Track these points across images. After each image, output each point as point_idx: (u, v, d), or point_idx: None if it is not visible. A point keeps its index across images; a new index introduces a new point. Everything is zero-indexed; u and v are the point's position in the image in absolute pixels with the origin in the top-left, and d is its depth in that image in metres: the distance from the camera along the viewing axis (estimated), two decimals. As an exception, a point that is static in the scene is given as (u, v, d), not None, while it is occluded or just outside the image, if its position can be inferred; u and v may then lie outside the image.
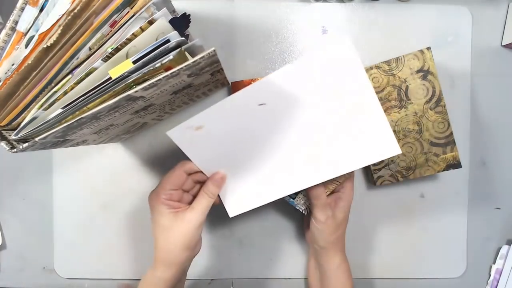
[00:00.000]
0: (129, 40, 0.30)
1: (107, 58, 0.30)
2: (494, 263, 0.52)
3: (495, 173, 0.51)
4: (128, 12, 0.31)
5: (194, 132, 0.35)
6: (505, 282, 0.50)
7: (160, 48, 0.29)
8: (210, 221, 0.51)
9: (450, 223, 0.51)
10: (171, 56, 0.29)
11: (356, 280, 0.49)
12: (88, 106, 0.30)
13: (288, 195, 0.43)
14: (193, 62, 0.29)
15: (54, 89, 0.30)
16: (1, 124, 0.31)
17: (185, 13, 0.33)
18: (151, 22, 0.30)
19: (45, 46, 0.29)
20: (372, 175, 0.47)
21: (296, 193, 0.44)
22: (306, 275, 0.51)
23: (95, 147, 0.49)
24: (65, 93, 0.30)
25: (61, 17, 0.29)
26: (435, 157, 0.46)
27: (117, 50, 0.30)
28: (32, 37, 0.30)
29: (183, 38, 0.30)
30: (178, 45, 0.30)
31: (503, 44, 0.50)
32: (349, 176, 0.42)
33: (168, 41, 0.29)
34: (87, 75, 0.30)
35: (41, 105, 0.30)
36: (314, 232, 0.42)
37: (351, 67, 0.33)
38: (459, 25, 0.50)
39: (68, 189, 0.50)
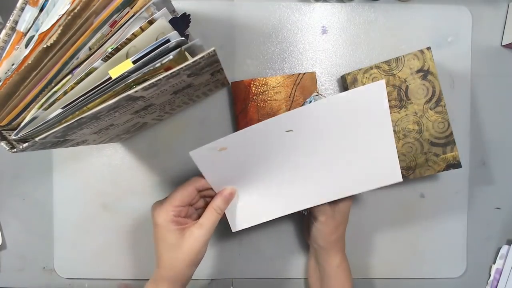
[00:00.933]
0: (129, 40, 0.30)
1: (107, 58, 0.30)
2: (494, 263, 0.52)
3: (495, 173, 0.51)
4: (128, 12, 0.31)
5: (216, 152, 0.36)
6: (505, 282, 0.50)
7: (160, 48, 0.29)
8: (210, 221, 0.51)
9: (450, 223, 0.51)
10: (171, 56, 0.29)
11: (356, 280, 0.49)
12: (88, 106, 0.30)
13: None
14: (193, 62, 0.29)
15: (54, 89, 0.30)
16: (1, 124, 0.31)
17: (185, 13, 0.33)
18: (151, 22, 0.30)
19: (45, 46, 0.29)
20: (372, 175, 0.47)
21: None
22: (306, 275, 0.51)
23: (95, 147, 0.49)
24: (65, 93, 0.30)
25: (61, 17, 0.29)
26: (435, 157, 0.46)
27: (117, 50, 0.30)
28: (32, 37, 0.30)
29: (183, 38, 0.30)
30: (178, 45, 0.30)
31: (503, 44, 0.50)
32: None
33: (168, 41, 0.29)
34: (87, 75, 0.30)
35: (41, 105, 0.30)
36: (314, 232, 0.42)
37: (379, 108, 0.35)
38: (459, 25, 0.50)
39: (68, 189, 0.50)
